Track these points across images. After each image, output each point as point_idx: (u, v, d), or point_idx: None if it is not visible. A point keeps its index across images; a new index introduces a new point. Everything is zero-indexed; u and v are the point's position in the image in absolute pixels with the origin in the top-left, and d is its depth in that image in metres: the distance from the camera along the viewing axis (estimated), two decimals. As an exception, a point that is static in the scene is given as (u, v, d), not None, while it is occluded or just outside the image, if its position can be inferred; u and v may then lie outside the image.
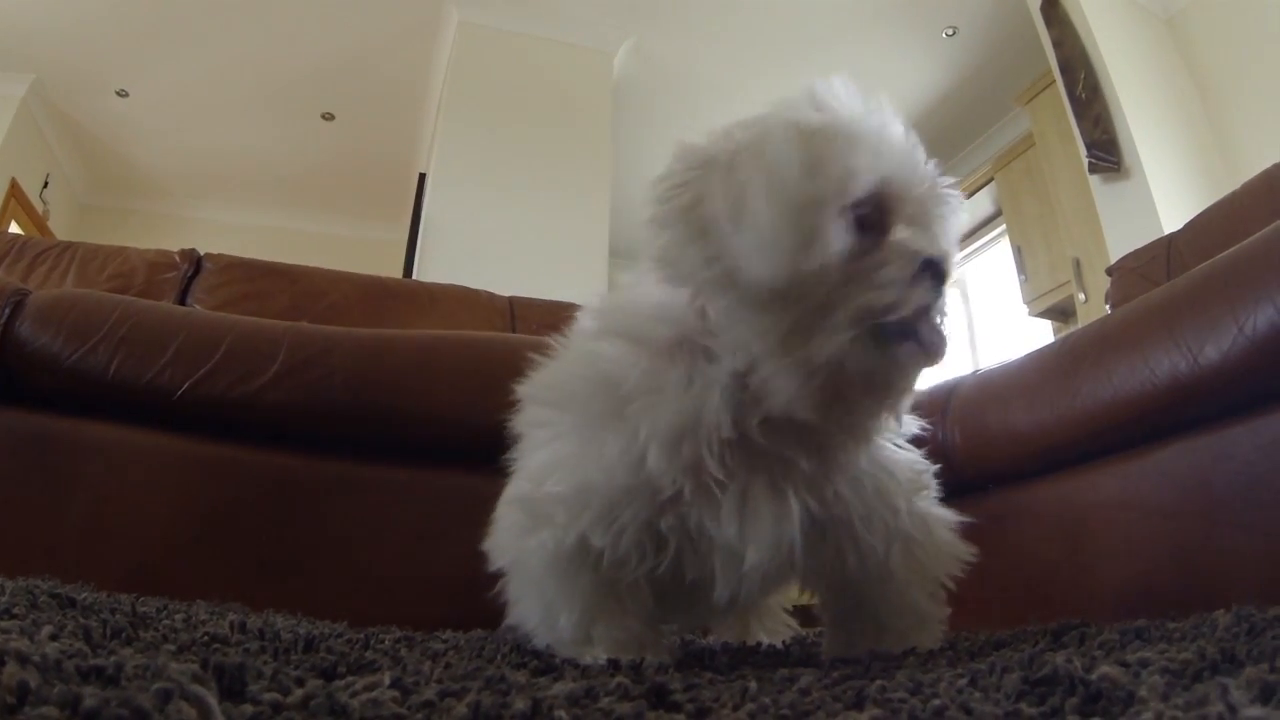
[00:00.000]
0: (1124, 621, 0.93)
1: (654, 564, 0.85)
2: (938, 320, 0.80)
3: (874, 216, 0.79)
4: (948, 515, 0.96)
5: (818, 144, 0.78)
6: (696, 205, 0.79)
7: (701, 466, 0.81)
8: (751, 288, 0.77)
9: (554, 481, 0.87)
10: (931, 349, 0.79)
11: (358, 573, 1.53)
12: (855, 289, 0.76)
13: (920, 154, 0.87)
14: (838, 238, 0.76)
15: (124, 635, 0.70)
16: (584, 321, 0.95)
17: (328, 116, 5.94)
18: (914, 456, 0.96)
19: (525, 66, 4.76)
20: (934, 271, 0.78)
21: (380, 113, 5.87)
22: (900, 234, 0.80)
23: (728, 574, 0.85)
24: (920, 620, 0.93)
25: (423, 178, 4.81)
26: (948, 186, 0.88)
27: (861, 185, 0.78)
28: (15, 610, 0.74)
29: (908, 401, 0.86)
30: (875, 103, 0.86)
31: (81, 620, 0.71)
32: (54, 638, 0.58)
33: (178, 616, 0.93)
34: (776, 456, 0.83)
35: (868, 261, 0.77)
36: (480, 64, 4.71)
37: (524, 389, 0.97)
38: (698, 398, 0.81)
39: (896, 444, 0.95)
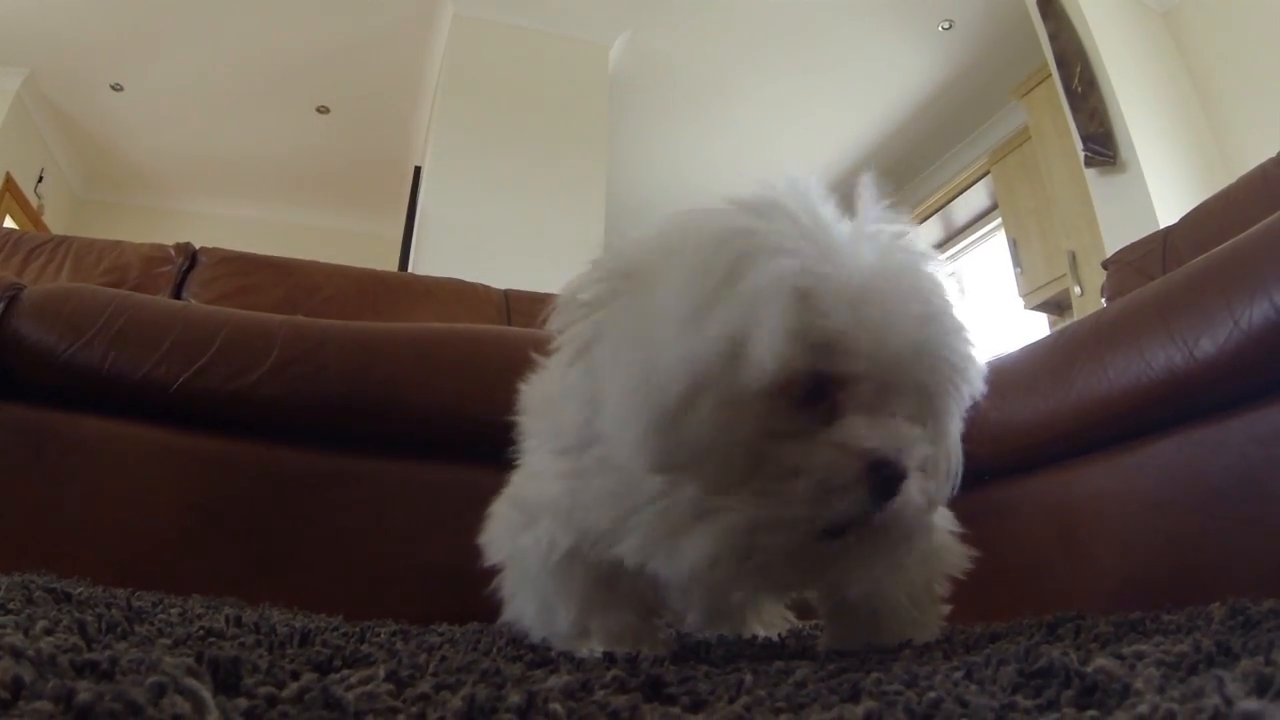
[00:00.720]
0: (1119, 614, 0.93)
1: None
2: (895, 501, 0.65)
3: (817, 392, 0.65)
4: (945, 519, 0.95)
5: (722, 297, 0.62)
6: (584, 351, 0.69)
7: None
8: (626, 470, 0.66)
9: (534, 488, 0.87)
10: (878, 539, 0.67)
11: (353, 566, 1.53)
12: (766, 489, 0.64)
13: (916, 298, 0.67)
14: (723, 430, 0.63)
15: (119, 630, 0.70)
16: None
17: (323, 110, 5.92)
18: None
19: (520, 60, 4.76)
20: (882, 475, 0.64)
21: (375, 106, 5.86)
22: (849, 421, 0.65)
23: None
24: (912, 621, 0.92)
25: (418, 171, 4.81)
26: (958, 345, 0.70)
27: (771, 367, 0.61)
28: (10, 605, 0.74)
29: (902, 548, 0.71)
30: (855, 218, 0.68)
31: (76, 615, 0.71)
32: (49, 632, 0.58)
33: (173, 611, 0.93)
34: None
35: (790, 454, 0.64)
36: (475, 57, 4.70)
37: (523, 392, 0.96)
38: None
39: None
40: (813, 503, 0.63)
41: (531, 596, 0.93)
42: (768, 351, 0.61)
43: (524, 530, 0.89)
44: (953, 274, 0.73)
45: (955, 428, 0.75)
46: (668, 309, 0.63)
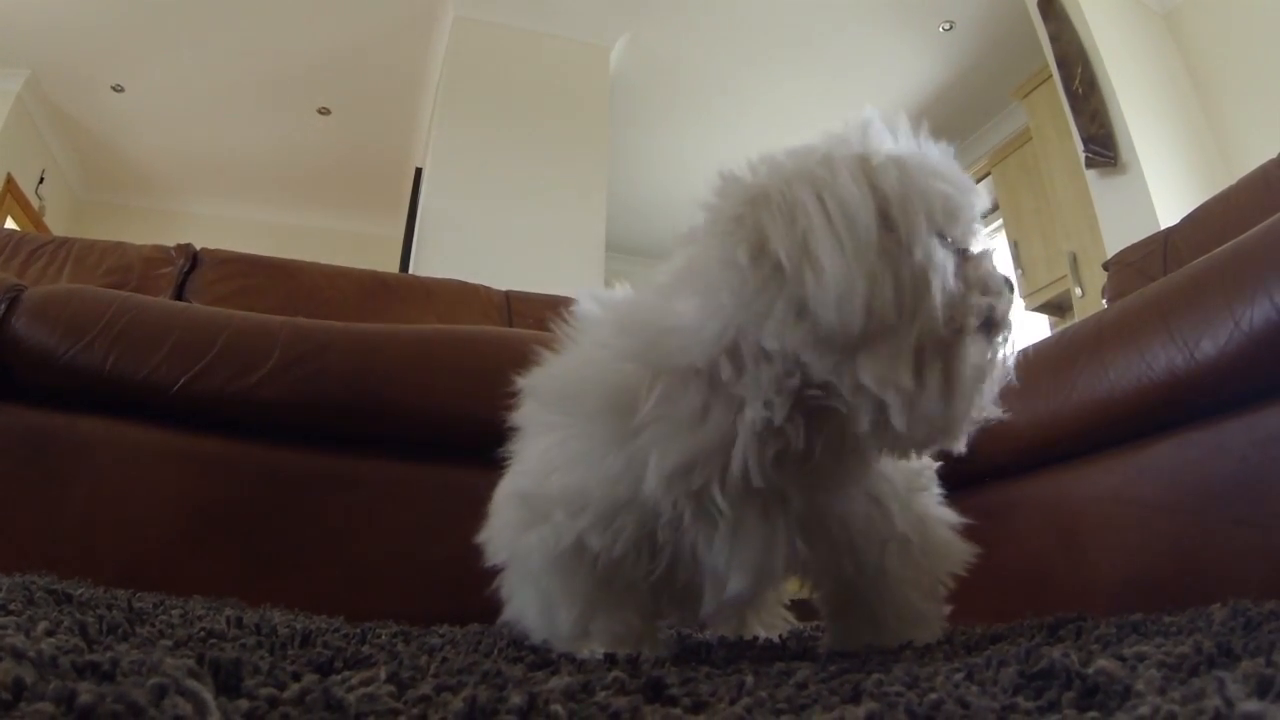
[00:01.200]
0: (1120, 616, 0.93)
1: (650, 568, 0.86)
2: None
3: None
4: (948, 515, 0.96)
5: (894, 179, 0.78)
6: (763, 247, 0.74)
7: (705, 497, 0.80)
8: (837, 336, 0.73)
9: (553, 481, 0.87)
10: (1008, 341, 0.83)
11: (354, 567, 1.53)
12: (961, 304, 0.78)
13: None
14: (942, 270, 0.77)
15: (120, 631, 0.70)
16: (596, 322, 0.92)
17: (324, 111, 5.92)
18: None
19: (522, 61, 4.75)
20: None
21: (377, 108, 5.86)
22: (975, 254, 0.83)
23: (714, 592, 0.86)
24: (917, 618, 0.93)
25: (419, 172, 4.81)
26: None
27: (961, 212, 0.81)
28: (12, 606, 0.74)
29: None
30: (908, 128, 0.85)
31: (78, 616, 0.71)
32: (50, 634, 0.58)
33: (174, 612, 0.93)
34: (773, 492, 0.81)
35: (962, 278, 0.80)
36: (477, 58, 4.70)
37: (528, 382, 0.96)
38: (716, 433, 0.78)
39: None
40: (1001, 299, 0.81)
41: (533, 596, 0.93)
42: (959, 208, 0.80)
43: (529, 528, 0.89)
44: None
45: None
46: (853, 212, 0.75)
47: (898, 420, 0.75)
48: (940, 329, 0.76)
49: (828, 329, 0.73)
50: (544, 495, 0.88)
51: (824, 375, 0.76)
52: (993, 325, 0.81)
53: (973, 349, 0.78)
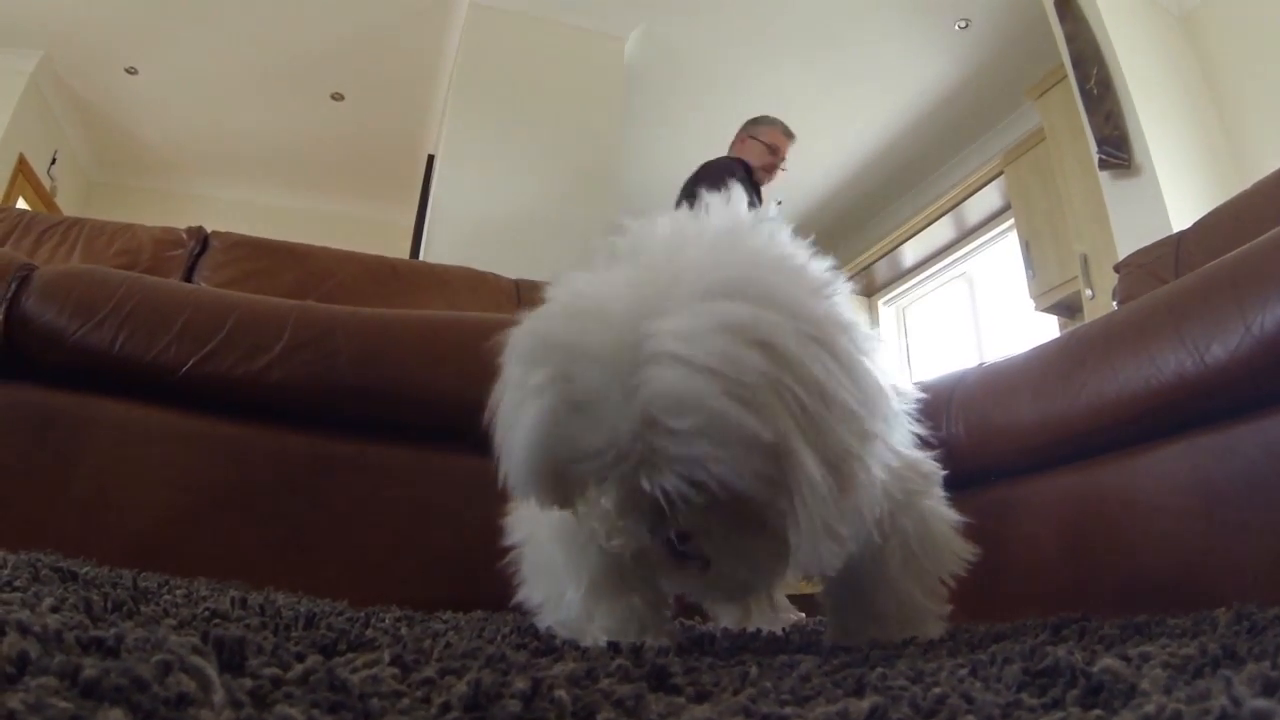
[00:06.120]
0: (1124, 617, 0.93)
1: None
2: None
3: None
4: (949, 514, 0.96)
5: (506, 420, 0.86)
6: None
7: None
8: None
9: None
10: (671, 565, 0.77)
11: (359, 552, 1.53)
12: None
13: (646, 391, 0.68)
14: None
15: (125, 609, 0.70)
16: None
17: (337, 97, 5.92)
18: (919, 457, 0.95)
19: (536, 49, 4.74)
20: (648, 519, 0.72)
21: (390, 94, 5.85)
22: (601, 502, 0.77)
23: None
24: (919, 614, 0.93)
25: (431, 159, 4.80)
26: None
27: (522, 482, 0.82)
28: (17, 583, 0.75)
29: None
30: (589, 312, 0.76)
31: (83, 593, 0.72)
32: (55, 610, 0.58)
33: (179, 592, 0.93)
34: None
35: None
36: (491, 46, 4.69)
37: None
38: None
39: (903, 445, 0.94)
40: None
41: (544, 576, 0.94)
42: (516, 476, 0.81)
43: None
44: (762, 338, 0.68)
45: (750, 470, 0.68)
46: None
47: None
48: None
49: None
50: None
51: None
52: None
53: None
